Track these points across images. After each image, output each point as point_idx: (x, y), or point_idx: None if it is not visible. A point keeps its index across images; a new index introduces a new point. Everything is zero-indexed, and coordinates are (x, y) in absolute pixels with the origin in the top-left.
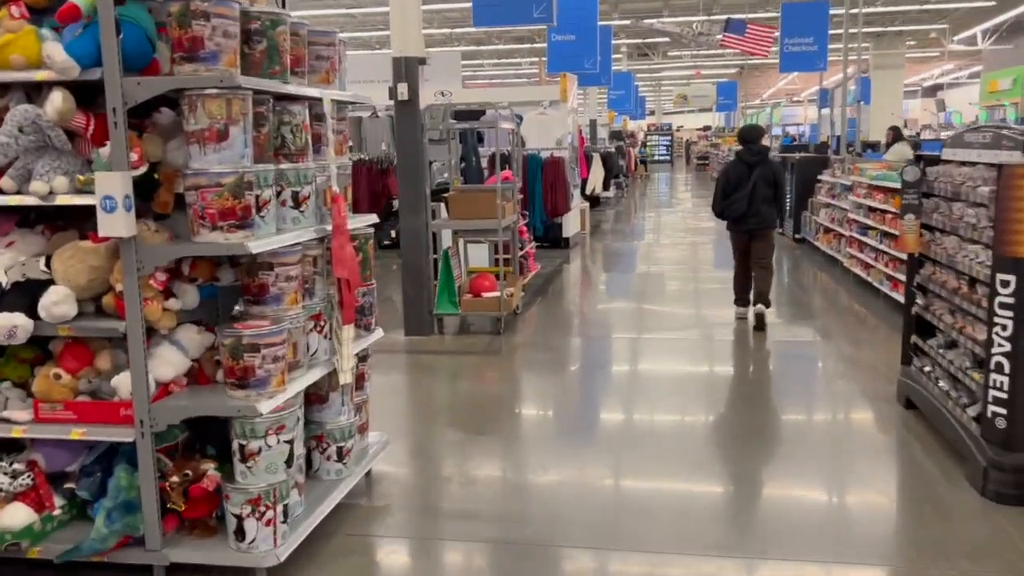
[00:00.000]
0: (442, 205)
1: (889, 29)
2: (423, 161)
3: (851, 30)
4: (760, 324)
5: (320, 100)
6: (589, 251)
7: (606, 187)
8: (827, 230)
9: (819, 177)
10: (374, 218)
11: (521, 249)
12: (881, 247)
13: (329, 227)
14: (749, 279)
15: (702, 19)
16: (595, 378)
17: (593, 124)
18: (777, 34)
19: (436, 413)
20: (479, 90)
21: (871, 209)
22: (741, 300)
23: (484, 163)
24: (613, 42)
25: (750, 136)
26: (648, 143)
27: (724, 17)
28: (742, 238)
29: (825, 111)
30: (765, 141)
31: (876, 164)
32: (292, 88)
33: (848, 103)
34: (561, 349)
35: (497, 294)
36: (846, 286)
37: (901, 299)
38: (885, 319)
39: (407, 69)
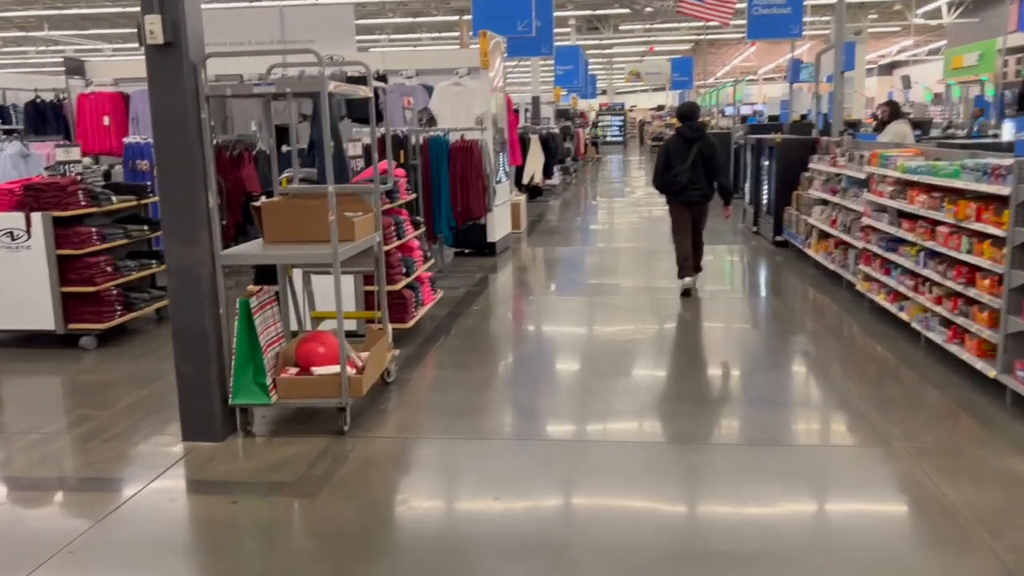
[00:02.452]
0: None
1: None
2: (195, 151)
3: None
4: (689, 291)
5: None
6: (523, 259)
7: (548, 174)
8: (823, 235)
9: (809, 165)
10: None
11: (407, 275)
12: (927, 272)
13: None
14: (690, 252)
15: None
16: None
17: (536, 102)
18: None
19: None
20: (380, 52)
21: (906, 215)
22: (685, 271)
23: (356, 150)
24: (560, 14)
25: (689, 113)
26: (600, 123)
27: None
28: (682, 209)
29: (798, 85)
30: (717, 121)
31: (908, 150)
32: None
33: (790, 82)
34: (450, 465)
35: (335, 369)
36: (861, 319)
37: (967, 359)
38: (943, 384)
39: None
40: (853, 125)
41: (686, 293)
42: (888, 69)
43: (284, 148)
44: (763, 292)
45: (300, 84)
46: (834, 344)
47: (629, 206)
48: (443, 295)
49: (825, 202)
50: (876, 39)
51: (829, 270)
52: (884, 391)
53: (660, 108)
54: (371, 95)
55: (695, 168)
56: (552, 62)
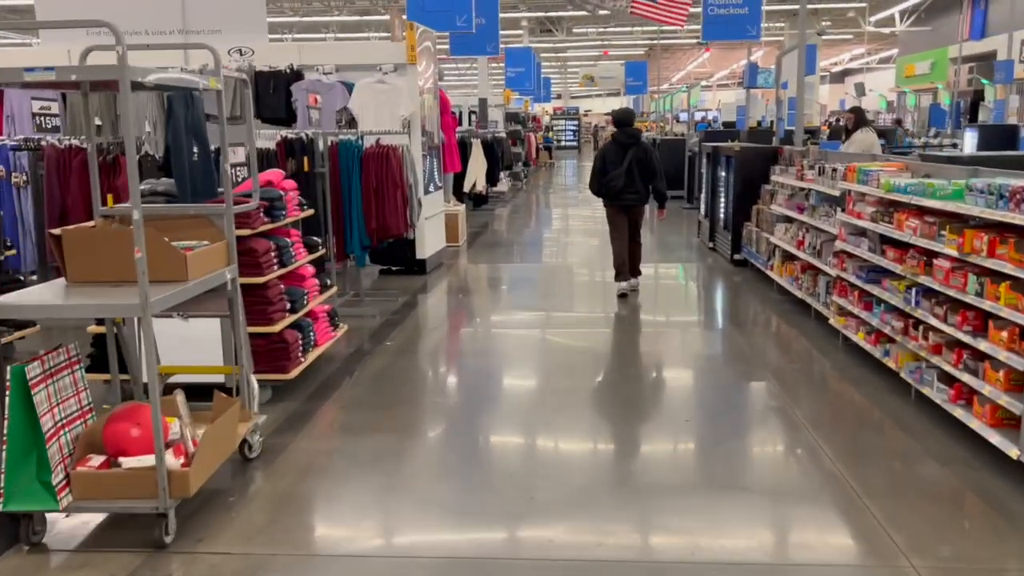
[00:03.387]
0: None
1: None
2: None
3: None
4: (625, 294)
5: None
6: (458, 279)
7: (493, 181)
8: (788, 256)
9: (770, 177)
10: None
11: (294, 310)
12: (921, 313)
13: None
14: (626, 253)
15: None
16: None
17: (483, 104)
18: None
19: None
20: (295, 46)
21: (891, 242)
22: (622, 275)
23: (238, 156)
24: (512, 15)
25: (625, 119)
26: (554, 128)
27: None
28: (619, 213)
29: (755, 91)
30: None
31: (892, 164)
32: None
33: (746, 87)
34: None
35: (151, 461)
36: (835, 360)
37: (978, 428)
38: (948, 459)
39: None
40: (811, 133)
41: (623, 296)
42: (840, 77)
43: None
44: (720, 321)
45: (92, 72)
46: (805, 394)
47: (581, 215)
48: (351, 328)
49: (790, 219)
50: (828, 46)
51: (795, 296)
52: (875, 467)
53: None
54: (218, 87)
55: (630, 173)
56: (503, 64)
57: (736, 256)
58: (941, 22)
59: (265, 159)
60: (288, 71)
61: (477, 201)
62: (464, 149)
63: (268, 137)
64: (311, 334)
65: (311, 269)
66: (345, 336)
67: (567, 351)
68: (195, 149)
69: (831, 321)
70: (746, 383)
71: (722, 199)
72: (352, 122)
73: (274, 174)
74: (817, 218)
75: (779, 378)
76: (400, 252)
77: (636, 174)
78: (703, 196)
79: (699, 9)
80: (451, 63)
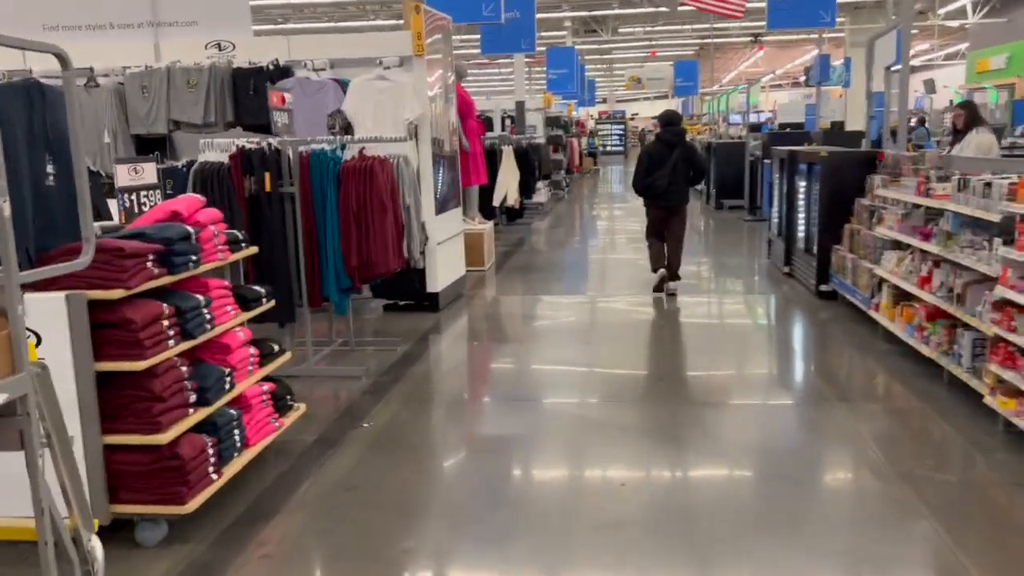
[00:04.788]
0: None
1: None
2: None
3: None
4: (670, 293)
5: None
6: (477, 318)
7: (528, 192)
8: (903, 296)
9: (869, 189)
10: None
11: (203, 402)
12: None
13: None
14: (664, 251)
15: None
16: None
17: (520, 108)
18: None
19: None
20: (283, 39)
21: None
22: (659, 267)
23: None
24: (554, 15)
25: (670, 120)
26: (599, 132)
27: None
28: (660, 213)
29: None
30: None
31: None
32: None
33: (831, 80)
34: None
35: None
36: (996, 461)
37: None
38: None
39: None
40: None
41: (659, 288)
42: None
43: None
44: (812, 385)
45: None
46: (981, 539)
47: (628, 229)
48: (323, 397)
49: (904, 246)
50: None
51: (913, 349)
52: None
53: None
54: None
55: (675, 172)
56: (544, 66)
57: (822, 287)
58: (1019, 12)
59: (215, 177)
60: (271, 67)
61: (511, 215)
62: (493, 158)
63: (222, 148)
64: (235, 434)
65: (243, 335)
66: (313, 410)
67: (606, 437)
68: (50, 169)
69: (986, 400)
70: (880, 512)
71: (801, 214)
72: (348, 128)
73: (184, 203)
74: (956, 250)
75: (927, 501)
76: (408, 282)
77: (679, 174)
78: (776, 210)
79: (756, 3)
80: (492, 68)
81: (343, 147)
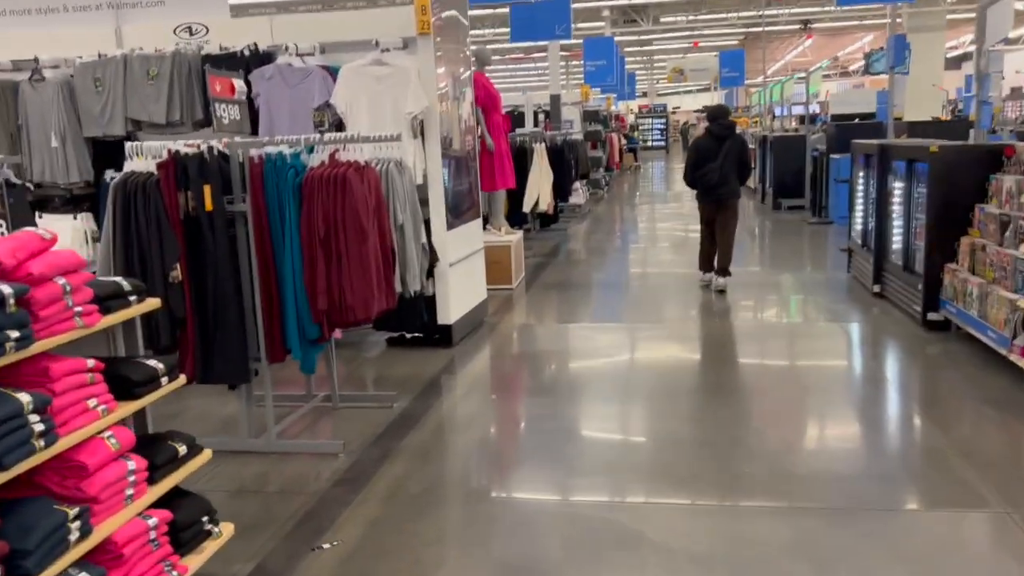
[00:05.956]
0: None
1: None
2: None
3: None
4: (719, 290)
5: None
6: (498, 356)
7: (563, 195)
8: None
9: (1003, 194)
10: None
11: (37, 565)
12: None
13: None
14: (714, 249)
15: None
16: None
17: (555, 101)
18: None
19: None
20: (266, 19)
21: None
22: (706, 267)
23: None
24: (592, 4)
25: (719, 113)
26: (640, 127)
27: None
28: (711, 207)
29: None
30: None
31: None
32: None
33: (890, 66)
34: None
35: None
36: None
37: None
38: None
39: None
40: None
41: (706, 284)
42: (957, 63)
43: (109, 176)
44: (951, 472)
45: None
46: None
47: (676, 236)
48: (279, 493)
49: None
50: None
51: None
52: None
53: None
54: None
55: (725, 166)
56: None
57: (931, 315)
58: None
59: (139, 193)
60: (248, 52)
61: (544, 220)
62: (523, 158)
63: (153, 154)
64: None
65: (116, 441)
66: (256, 517)
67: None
68: None
69: None
70: None
71: (897, 222)
72: (339, 124)
73: (8, 245)
74: None
75: None
76: (416, 311)
77: (729, 167)
78: (859, 216)
79: None
80: (527, 63)
81: (310, 150)
